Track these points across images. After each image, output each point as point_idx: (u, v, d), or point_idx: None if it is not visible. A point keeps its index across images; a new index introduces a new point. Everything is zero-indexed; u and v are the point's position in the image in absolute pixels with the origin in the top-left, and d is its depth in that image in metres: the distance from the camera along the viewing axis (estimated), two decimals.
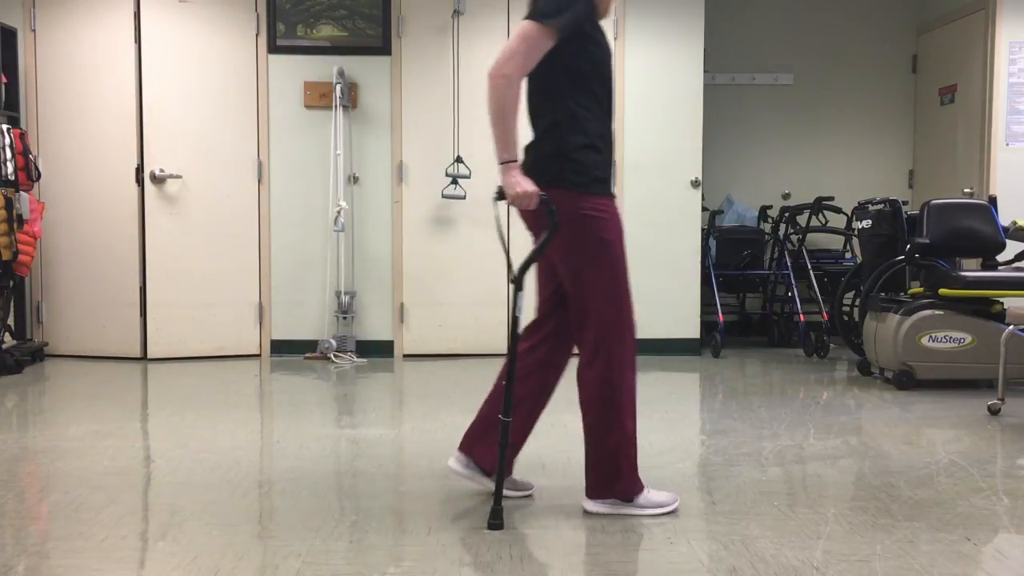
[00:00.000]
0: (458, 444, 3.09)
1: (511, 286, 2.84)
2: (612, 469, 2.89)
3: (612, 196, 2.91)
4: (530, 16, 2.75)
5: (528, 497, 3.11)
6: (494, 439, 2.92)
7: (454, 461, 3.07)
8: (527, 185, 2.76)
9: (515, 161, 2.77)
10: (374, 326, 6.30)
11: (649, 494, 2.94)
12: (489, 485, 2.99)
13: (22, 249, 5.59)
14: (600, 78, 2.86)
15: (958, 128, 6.69)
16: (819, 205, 6.54)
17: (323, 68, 6.18)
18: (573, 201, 2.80)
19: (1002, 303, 5.08)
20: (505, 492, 2.99)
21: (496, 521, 2.80)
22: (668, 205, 6.29)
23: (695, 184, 6.30)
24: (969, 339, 5.00)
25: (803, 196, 7.09)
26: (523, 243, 6.24)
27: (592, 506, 2.93)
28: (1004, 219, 5.48)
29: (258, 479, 3.33)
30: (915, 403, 4.73)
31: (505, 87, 2.71)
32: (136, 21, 6.01)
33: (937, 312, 5.02)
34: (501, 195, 2.81)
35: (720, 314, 6.39)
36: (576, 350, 2.97)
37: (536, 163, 2.87)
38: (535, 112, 2.91)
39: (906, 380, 5.05)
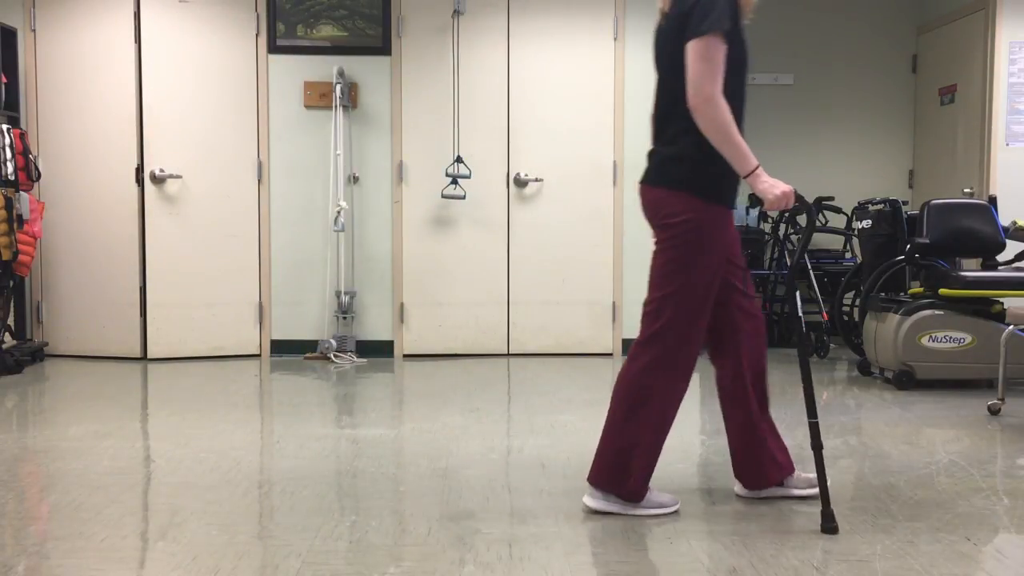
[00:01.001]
0: (744, 483, 3.09)
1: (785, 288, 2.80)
2: (622, 465, 2.87)
3: (733, 207, 2.93)
4: (694, 34, 2.72)
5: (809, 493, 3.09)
6: (763, 456, 3.01)
7: (740, 489, 3.10)
8: (783, 185, 2.78)
9: (759, 166, 2.79)
10: (374, 326, 6.30)
11: (651, 495, 2.94)
12: (786, 492, 3.06)
13: (22, 249, 5.59)
14: (738, 79, 2.85)
15: (958, 128, 6.69)
16: (819, 205, 6.53)
17: (323, 68, 6.18)
18: (693, 206, 2.80)
19: (1002, 303, 5.07)
20: (793, 492, 3.07)
21: (831, 524, 2.76)
22: None
23: None
24: (969, 339, 5.00)
25: (803, 196, 7.07)
26: (523, 243, 6.28)
27: (594, 503, 2.92)
28: (1004, 219, 5.47)
29: (258, 479, 3.33)
30: (915, 403, 4.73)
31: (713, 108, 2.72)
32: (136, 21, 6.01)
33: (937, 312, 5.02)
34: (755, 202, 2.80)
35: None
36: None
37: (661, 166, 2.86)
38: (664, 117, 2.88)
39: (906, 380, 5.05)
